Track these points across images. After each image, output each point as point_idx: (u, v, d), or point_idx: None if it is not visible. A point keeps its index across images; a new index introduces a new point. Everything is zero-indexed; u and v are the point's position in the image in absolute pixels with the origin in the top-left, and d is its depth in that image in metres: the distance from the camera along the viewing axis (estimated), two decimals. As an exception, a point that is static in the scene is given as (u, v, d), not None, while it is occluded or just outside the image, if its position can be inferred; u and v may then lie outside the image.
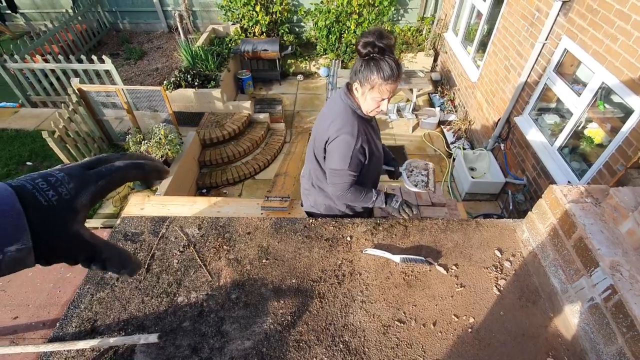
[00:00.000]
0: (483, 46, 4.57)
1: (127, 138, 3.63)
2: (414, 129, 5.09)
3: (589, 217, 1.26)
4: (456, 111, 5.28)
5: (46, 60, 4.72)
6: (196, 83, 4.64)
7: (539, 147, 3.30)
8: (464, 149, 4.45)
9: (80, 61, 4.65)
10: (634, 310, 0.99)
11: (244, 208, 2.78)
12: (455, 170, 4.25)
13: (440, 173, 4.38)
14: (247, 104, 4.79)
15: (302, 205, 1.89)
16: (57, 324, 1.37)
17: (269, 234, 1.69)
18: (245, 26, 5.99)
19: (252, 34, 6.03)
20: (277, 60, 5.85)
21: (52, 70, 4.73)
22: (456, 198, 4.04)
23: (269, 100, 5.57)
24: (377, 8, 5.68)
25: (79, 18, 6.28)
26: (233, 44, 5.74)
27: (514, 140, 3.72)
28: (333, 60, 6.07)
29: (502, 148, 3.92)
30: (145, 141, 3.53)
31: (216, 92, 4.67)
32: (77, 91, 3.72)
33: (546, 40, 3.15)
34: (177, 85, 4.65)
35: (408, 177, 1.78)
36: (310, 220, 1.74)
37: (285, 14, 5.93)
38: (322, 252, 1.60)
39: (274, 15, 5.92)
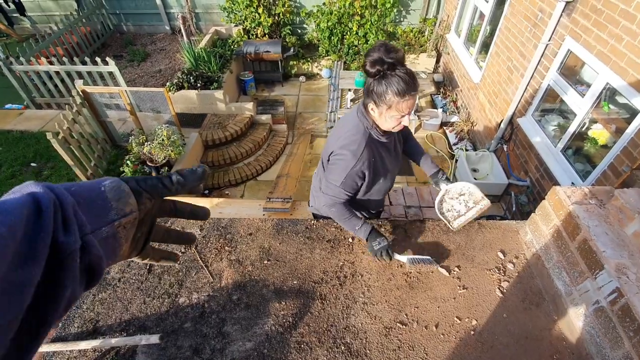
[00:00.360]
0: (485, 47, 4.55)
1: (130, 139, 3.65)
2: (416, 130, 5.08)
3: (594, 219, 1.25)
4: (459, 112, 5.26)
5: (51, 63, 4.76)
6: (199, 84, 4.66)
7: (542, 149, 3.28)
8: (467, 150, 4.43)
9: (84, 63, 4.69)
10: (640, 313, 0.98)
11: (246, 209, 2.79)
12: (458, 171, 4.23)
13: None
14: (250, 105, 4.80)
15: (308, 204, 1.85)
16: (60, 324, 1.37)
17: (271, 235, 1.68)
18: (247, 28, 6.01)
19: (254, 36, 6.05)
20: (280, 62, 5.86)
21: (57, 72, 4.77)
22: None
23: (271, 101, 5.58)
24: (379, 9, 5.68)
25: (84, 20, 6.33)
26: (235, 46, 5.76)
27: (517, 142, 3.69)
28: (335, 62, 6.08)
29: (505, 149, 3.90)
30: (148, 142, 3.54)
31: (218, 94, 4.69)
32: (80, 93, 3.74)
33: (549, 41, 3.13)
34: (180, 87, 4.67)
35: (443, 197, 1.56)
36: (312, 222, 1.74)
37: (288, 15, 5.94)
38: (324, 254, 1.59)
39: (276, 17, 5.94)
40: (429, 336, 1.31)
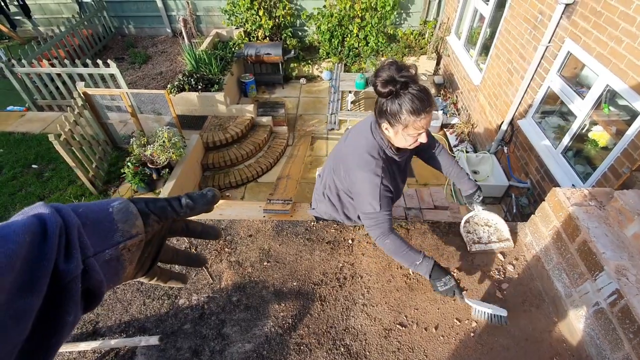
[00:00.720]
0: (486, 49, 4.56)
1: (131, 141, 3.66)
2: (416, 132, 5.08)
3: (593, 221, 1.25)
4: (459, 114, 5.27)
5: (53, 65, 4.78)
6: (200, 87, 4.67)
7: (542, 150, 3.28)
8: (467, 152, 4.43)
9: (85, 65, 4.71)
10: (640, 315, 0.98)
11: (246, 211, 2.79)
12: (459, 173, 4.22)
13: (443, 177, 4.35)
14: (250, 107, 4.82)
15: (310, 205, 1.82)
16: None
17: (271, 237, 1.69)
18: (248, 30, 6.04)
19: (255, 38, 6.08)
20: (280, 64, 5.88)
21: (58, 75, 4.79)
22: (459, 201, 4.02)
23: (271, 103, 5.59)
24: (379, 12, 5.70)
25: (85, 23, 6.37)
26: (236, 48, 5.78)
27: (518, 143, 3.69)
28: (336, 64, 6.09)
29: (506, 151, 3.90)
30: (149, 144, 3.55)
31: (219, 96, 4.70)
32: (82, 95, 3.76)
33: (549, 43, 3.14)
34: (181, 89, 4.69)
35: (470, 219, 1.55)
36: (312, 223, 1.74)
37: (288, 18, 5.96)
38: (324, 255, 1.59)
39: (277, 20, 5.96)
40: (429, 338, 1.31)
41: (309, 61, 6.26)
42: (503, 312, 1.21)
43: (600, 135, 2.81)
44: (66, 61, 4.70)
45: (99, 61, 4.52)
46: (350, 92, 5.52)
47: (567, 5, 2.88)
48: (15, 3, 6.59)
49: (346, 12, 5.69)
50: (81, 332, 1.36)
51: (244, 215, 2.77)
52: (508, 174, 3.81)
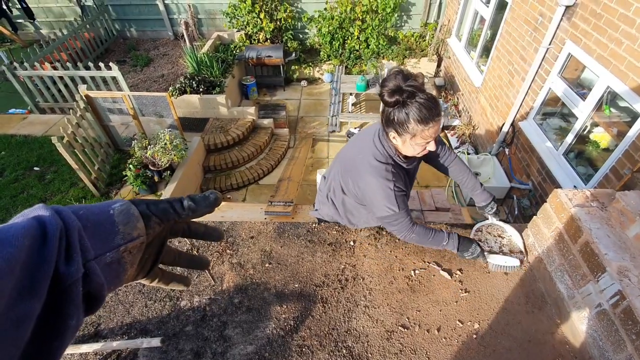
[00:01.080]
0: (486, 51, 4.57)
1: (132, 143, 3.67)
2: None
3: (595, 222, 1.25)
4: (460, 116, 5.27)
5: (55, 68, 4.81)
6: (201, 89, 4.69)
7: (544, 152, 3.28)
8: (468, 153, 4.43)
9: (87, 68, 4.74)
10: (643, 316, 0.97)
11: (247, 213, 2.79)
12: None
13: (444, 178, 4.36)
14: (252, 109, 4.83)
15: (313, 206, 1.81)
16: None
17: (272, 239, 1.69)
18: (249, 33, 6.07)
19: (256, 41, 6.10)
20: (281, 67, 5.90)
21: (61, 77, 4.82)
22: (460, 203, 4.02)
23: (272, 105, 5.61)
24: (380, 14, 5.72)
25: (87, 26, 6.41)
26: (238, 51, 5.81)
27: (519, 145, 3.69)
28: (337, 66, 6.11)
29: (507, 153, 3.90)
30: (151, 146, 3.56)
31: (221, 98, 4.72)
32: (84, 97, 3.78)
33: (550, 44, 3.14)
34: (183, 92, 4.71)
35: (481, 228, 1.57)
36: (314, 225, 1.74)
37: (289, 20, 5.99)
38: (325, 257, 1.59)
39: (278, 22, 5.99)
40: (431, 340, 1.30)
41: (310, 63, 6.28)
42: (516, 262, 1.43)
43: (601, 136, 2.81)
44: (68, 64, 4.73)
45: (101, 64, 4.55)
46: (351, 94, 5.53)
47: (567, 7, 2.89)
48: (18, 6, 6.63)
49: (347, 14, 5.72)
50: (83, 334, 1.36)
51: (245, 217, 2.77)
52: (509, 175, 3.81)
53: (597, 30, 2.60)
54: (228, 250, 1.64)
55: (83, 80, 4.75)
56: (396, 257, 1.58)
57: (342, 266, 1.55)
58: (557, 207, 1.39)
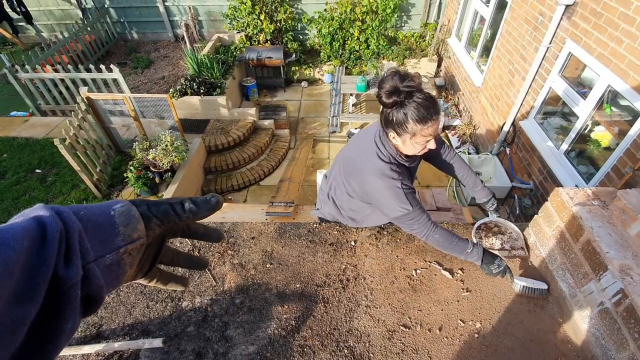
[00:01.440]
0: (487, 51, 4.57)
1: (133, 145, 3.68)
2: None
3: (597, 220, 1.24)
4: (460, 116, 5.27)
5: (56, 70, 4.82)
6: (202, 91, 4.70)
7: (545, 151, 3.27)
8: (469, 153, 4.42)
9: (89, 70, 4.75)
10: (645, 315, 0.97)
11: (248, 213, 2.79)
12: (461, 175, 4.21)
13: (445, 178, 4.35)
14: (252, 110, 4.84)
15: (315, 206, 1.80)
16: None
17: (273, 239, 1.69)
18: (250, 34, 6.08)
19: (256, 42, 6.11)
20: (282, 68, 5.91)
21: (62, 80, 4.83)
22: (462, 203, 4.01)
23: (273, 106, 5.61)
24: (379, 15, 5.73)
25: (88, 29, 6.43)
26: (238, 52, 5.82)
27: (520, 144, 3.69)
28: (337, 67, 6.12)
29: (508, 152, 3.89)
30: (152, 148, 3.57)
31: (221, 100, 4.73)
32: (85, 100, 3.79)
33: (550, 44, 3.14)
34: (183, 93, 4.72)
35: (482, 225, 1.58)
36: (315, 225, 1.74)
37: (289, 21, 6.00)
38: (326, 257, 1.59)
39: (278, 24, 6.00)
40: (433, 339, 1.30)
41: (310, 64, 6.28)
42: (544, 286, 1.38)
43: (602, 135, 2.81)
44: (69, 66, 4.74)
45: (102, 66, 4.56)
46: (351, 94, 5.53)
47: (567, 6, 2.88)
48: (17, 9, 6.66)
49: (347, 15, 5.72)
50: (85, 335, 1.36)
51: (246, 218, 2.77)
52: (510, 175, 3.80)
53: (597, 29, 2.60)
54: (229, 251, 1.64)
55: (84, 82, 4.77)
56: (397, 256, 1.58)
57: (344, 266, 1.55)
58: (558, 206, 1.38)
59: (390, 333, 1.32)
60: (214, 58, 5.32)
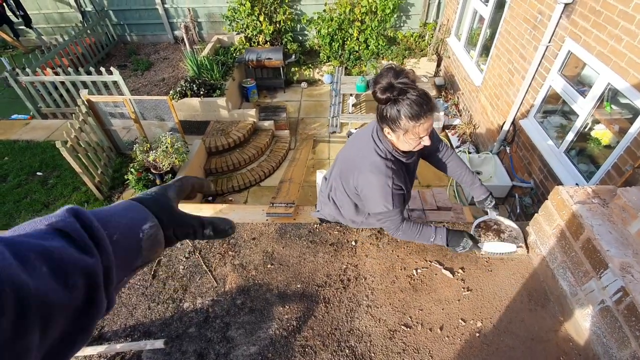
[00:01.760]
0: (486, 50, 4.57)
1: (134, 147, 3.69)
2: (418, 133, 5.08)
3: (597, 218, 1.24)
4: (460, 115, 5.27)
5: (56, 73, 4.84)
6: (202, 92, 4.71)
7: (545, 150, 3.27)
8: (469, 152, 4.42)
9: (89, 73, 4.76)
10: (646, 312, 0.97)
11: (249, 214, 2.79)
12: (461, 174, 4.21)
13: (446, 177, 4.35)
14: (252, 111, 4.84)
15: (315, 207, 1.81)
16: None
17: (274, 240, 1.69)
18: (249, 35, 6.09)
19: (256, 43, 6.12)
20: (281, 69, 5.91)
21: (62, 83, 4.85)
22: (462, 202, 4.01)
23: (273, 107, 5.62)
24: (379, 15, 5.73)
25: (88, 32, 6.45)
26: (238, 54, 5.83)
27: (520, 143, 3.69)
28: (336, 67, 6.12)
29: (508, 151, 3.89)
30: (152, 150, 3.58)
31: (221, 101, 4.73)
32: (86, 102, 3.80)
33: (549, 42, 3.14)
34: (183, 95, 4.73)
35: (481, 224, 1.59)
36: (315, 226, 1.74)
37: (289, 22, 6.01)
38: (327, 257, 1.59)
39: (277, 25, 6.01)
40: (434, 339, 1.30)
41: (310, 65, 6.29)
42: (511, 248, 1.46)
43: (603, 133, 2.80)
44: (70, 69, 4.75)
45: (102, 69, 4.57)
46: (351, 95, 5.54)
47: (566, 4, 2.88)
48: (17, 13, 6.68)
49: (346, 15, 5.73)
50: (87, 336, 1.36)
51: (247, 219, 2.77)
52: (511, 174, 3.80)
53: (596, 27, 2.60)
54: (230, 252, 1.64)
55: (84, 85, 4.78)
56: (398, 256, 1.58)
57: (344, 266, 1.55)
58: (558, 204, 1.38)
59: (392, 333, 1.32)
60: (213, 59, 5.33)
